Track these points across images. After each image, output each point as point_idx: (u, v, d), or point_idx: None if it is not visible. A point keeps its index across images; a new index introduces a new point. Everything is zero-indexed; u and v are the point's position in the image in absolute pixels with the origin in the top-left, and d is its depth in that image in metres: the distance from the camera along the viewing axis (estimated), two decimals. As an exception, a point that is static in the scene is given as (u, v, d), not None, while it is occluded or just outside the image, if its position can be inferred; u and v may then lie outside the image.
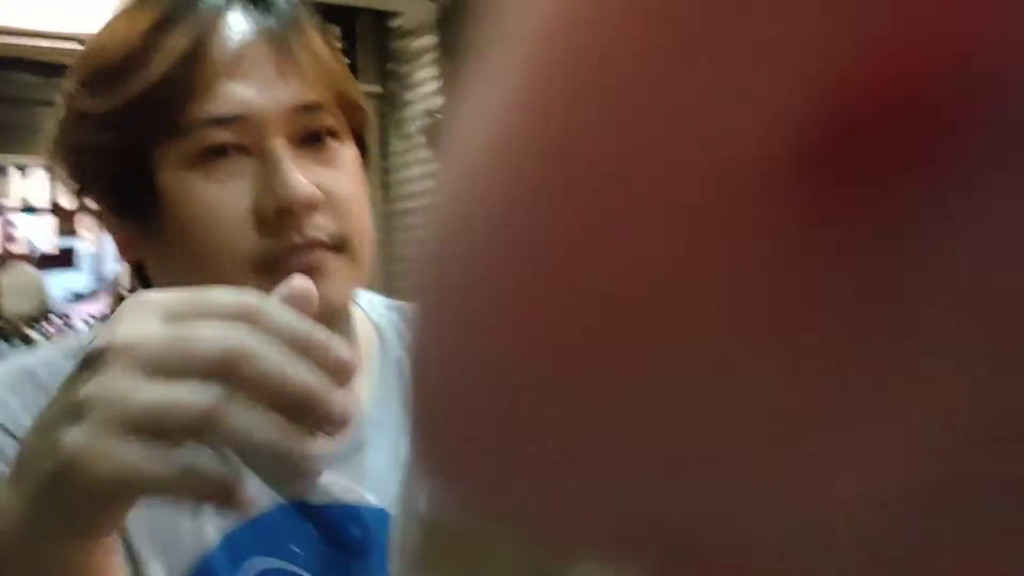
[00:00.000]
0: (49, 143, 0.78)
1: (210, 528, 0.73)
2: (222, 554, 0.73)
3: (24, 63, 5.12)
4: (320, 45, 0.77)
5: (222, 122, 0.72)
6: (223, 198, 0.73)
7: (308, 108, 0.74)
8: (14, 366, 0.76)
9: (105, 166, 0.77)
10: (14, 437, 0.67)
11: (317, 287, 0.66)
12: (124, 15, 0.76)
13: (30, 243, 6.08)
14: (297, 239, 0.73)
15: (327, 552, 0.71)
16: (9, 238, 6.02)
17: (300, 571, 0.74)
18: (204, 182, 0.73)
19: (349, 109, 0.78)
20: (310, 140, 0.75)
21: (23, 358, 0.77)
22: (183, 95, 0.72)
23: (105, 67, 0.75)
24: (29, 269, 6.24)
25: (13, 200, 5.87)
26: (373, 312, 0.87)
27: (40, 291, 6.47)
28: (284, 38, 0.75)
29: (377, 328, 0.87)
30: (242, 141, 0.73)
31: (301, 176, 0.72)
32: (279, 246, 0.73)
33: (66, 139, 0.77)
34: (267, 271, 0.72)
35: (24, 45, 4.43)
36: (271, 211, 0.72)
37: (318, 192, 0.73)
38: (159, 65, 0.72)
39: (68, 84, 0.77)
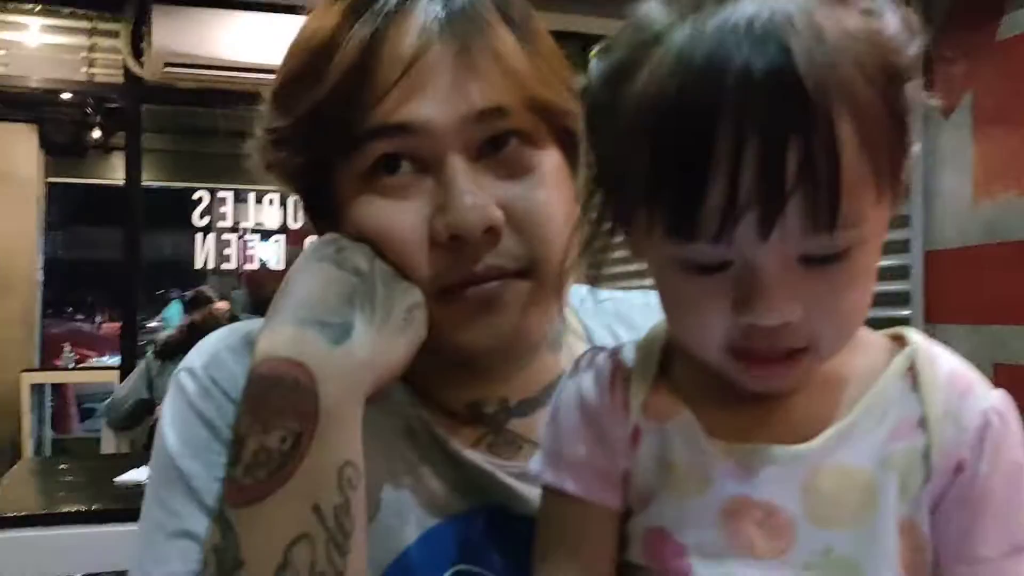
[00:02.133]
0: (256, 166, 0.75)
1: (412, 526, 0.71)
2: (422, 552, 0.71)
3: (258, 97, 5.64)
4: (507, 42, 0.68)
5: (391, 132, 0.66)
6: (396, 219, 0.67)
7: (488, 114, 0.67)
8: (239, 330, 0.75)
9: (293, 183, 0.74)
10: (231, 400, 0.68)
11: (496, 319, 0.68)
12: (311, 20, 0.71)
13: (263, 261, 6.72)
14: (476, 268, 0.67)
15: (526, 562, 0.66)
16: (247, 257, 6.67)
17: None
18: (378, 200, 0.68)
19: (546, 111, 0.69)
20: (493, 150, 0.68)
21: (249, 324, 0.75)
22: (353, 107, 0.66)
23: (286, 81, 0.71)
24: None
25: (250, 223, 6.48)
26: (583, 312, 0.81)
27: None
28: (464, 38, 0.67)
29: (588, 332, 0.82)
30: (415, 153, 0.67)
31: (478, 198, 0.66)
32: (455, 275, 0.67)
33: (261, 159, 0.74)
34: (444, 299, 0.68)
35: (257, 79, 4.81)
36: (444, 237, 0.66)
37: (498, 216, 0.66)
38: (328, 79, 0.67)
39: (266, 107, 0.73)
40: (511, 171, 0.68)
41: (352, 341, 0.62)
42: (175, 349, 3.63)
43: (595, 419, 0.61)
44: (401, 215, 0.67)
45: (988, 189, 2.55)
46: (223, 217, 6.36)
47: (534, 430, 0.76)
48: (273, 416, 0.60)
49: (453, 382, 0.75)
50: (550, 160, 0.70)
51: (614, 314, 0.84)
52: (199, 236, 6.29)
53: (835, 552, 0.55)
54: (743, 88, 0.47)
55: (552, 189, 0.69)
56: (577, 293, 0.83)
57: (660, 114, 0.51)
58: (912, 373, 0.58)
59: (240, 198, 6.46)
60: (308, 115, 0.68)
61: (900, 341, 0.60)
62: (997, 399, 0.58)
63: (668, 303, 0.57)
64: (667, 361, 0.62)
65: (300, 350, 0.61)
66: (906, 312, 2.69)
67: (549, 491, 0.63)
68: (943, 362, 0.59)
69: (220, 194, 6.39)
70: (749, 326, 0.52)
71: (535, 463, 0.64)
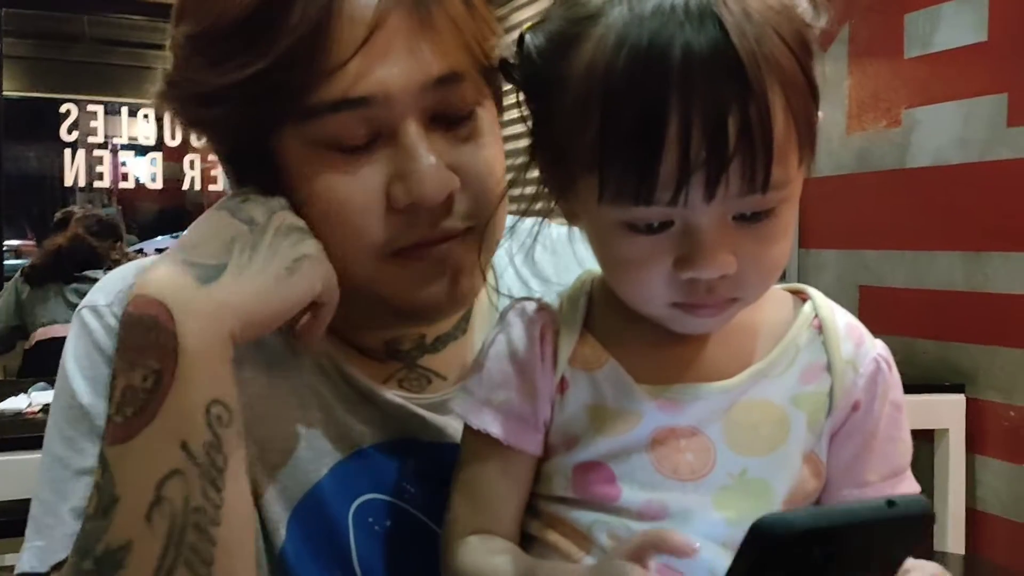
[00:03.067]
0: (159, 102, 0.70)
1: (324, 460, 0.72)
2: (333, 485, 0.71)
3: (132, 3, 5.31)
4: (456, 5, 0.67)
5: (354, 104, 0.64)
6: (352, 185, 0.66)
7: (444, 80, 0.66)
8: (145, 267, 0.70)
9: (221, 138, 0.71)
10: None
11: (450, 277, 0.69)
12: None
13: (138, 179, 6.42)
14: (430, 232, 0.68)
15: (437, 491, 0.69)
16: (121, 175, 6.36)
17: (409, 508, 0.73)
18: (331, 165, 0.66)
19: (487, 71, 0.69)
20: (447, 113, 0.67)
21: (147, 261, 0.74)
22: (307, 72, 0.63)
23: (220, 30, 0.65)
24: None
25: (123, 139, 6.17)
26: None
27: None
28: (420, 2, 0.65)
29: (494, 269, 0.82)
30: (372, 124, 0.65)
31: (438, 166, 0.65)
32: (413, 237, 0.67)
33: (177, 107, 0.70)
34: (396, 259, 0.68)
35: None
36: (403, 204, 0.66)
37: (456, 182, 0.67)
38: (282, 39, 0.62)
39: (178, 37, 0.68)
40: (463, 135, 0.69)
41: (219, 283, 0.62)
42: (43, 274, 3.47)
43: (523, 369, 0.64)
44: (357, 182, 0.66)
45: (860, 120, 2.67)
46: (93, 132, 6.04)
47: (445, 364, 0.78)
48: (136, 355, 0.60)
49: (375, 323, 0.75)
50: (489, 117, 0.71)
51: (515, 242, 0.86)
52: (68, 152, 5.97)
53: (749, 474, 0.60)
54: (687, 66, 0.52)
55: (495, 147, 0.71)
56: None
57: (608, 92, 0.54)
58: (816, 322, 0.65)
59: (111, 111, 6.14)
60: (253, 76, 0.63)
61: (800, 295, 0.67)
62: (882, 347, 0.66)
63: (611, 264, 0.61)
64: (591, 312, 0.65)
65: (165, 289, 0.61)
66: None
67: (473, 434, 0.65)
68: (840, 315, 0.66)
69: (90, 107, 6.06)
70: (691, 279, 0.56)
71: (460, 406, 0.66)
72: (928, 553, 0.56)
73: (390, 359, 0.77)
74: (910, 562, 0.52)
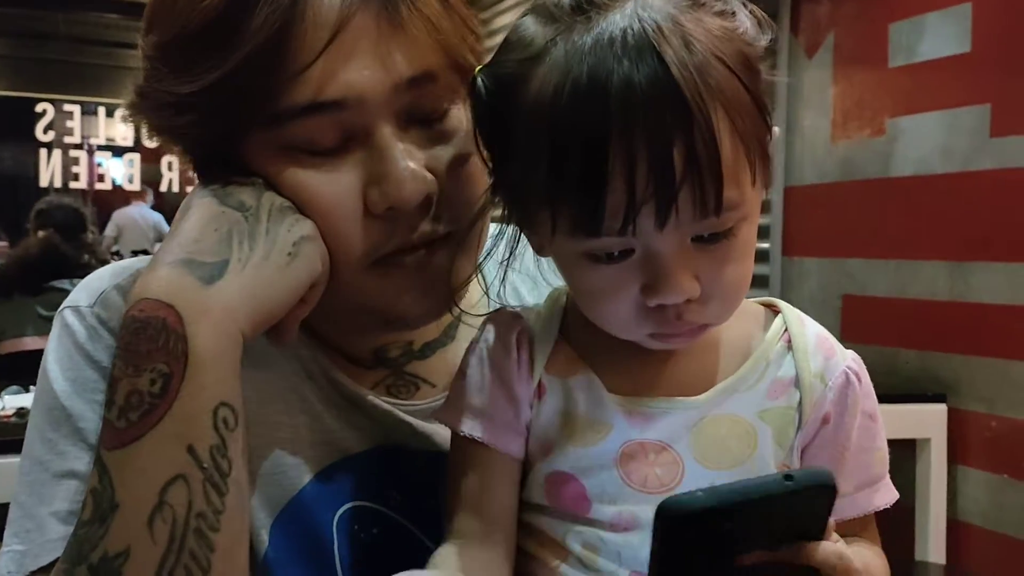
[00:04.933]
0: (131, 112, 0.70)
1: (309, 466, 0.71)
2: (317, 492, 0.70)
3: (106, 2, 5.26)
4: (429, 2, 0.66)
5: (323, 108, 0.62)
6: (326, 190, 0.65)
7: (417, 81, 0.64)
8: (129, 268, 0.74)
9: (192, 146, 0.70)
10: (111, 332, 0.68)
11: (432, 284, 0.68)
12: None
13: (115, 180, 6.36)
14: (412, 236, 0.66)
15: (424, 499, 0.68)
16: (97, 176, 6.30)
17: (395, 515, 0.72)
18: (303, 170, 0.65)
19: (462, 70, 0.67)
20: (421, 113, 0.66)
21: (138, 262, 0.73)
22: (273, 75, 0.61)
23: (185, 38, 0.64)
24: (143, 209, 6.52)
25: (100, 139, 6.12)
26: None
27: (155, 228, 6.76)
28: (387, 2, 0.63)
29: (482, 274, 0.79)
30: (344, 126, 0.64)
31: (415, 169, 0.64)
32: (393, 243, 0.66)
33: (148, 116, 0.69)
34: (378, 268, 0.67)
35: None
36: (382, 208, 0.65)
37: (434, 185, 0.65)
38: (246, 44, 0.61)
39: (147, 48, 0.68)
40: (438, 135, 0.67)
41: (225, 280, 0.61)
42: (10, 284, 3.37)
43: (502, 376, 0.64)
44: (331, 186, 0.65)
45: (845, 129, 2.67)
46: (70, 132, 5.98)
47: (433, 370, 0.77)
48: (143, 359, 0.59)
49: (361, 331, 0.74)
50: (466, 116, 0.69)
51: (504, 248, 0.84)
52: (43, 152, 5.90)
53: None
54: (628, 99, 0.52)
55: (472, 147, 0.68)
56: None
57: (553, 128, 0.55)
58: (787, 336, 0.65)
59: (88, 111, 6.07)
60: (219, 82, 0.62)
61: (772, 308, 0.68)
62: (852, 358, 0.66)
63: (581, 294, 0.61)
64: (566, 323, 0.66)
65: (171, 291, 0.60)
66: (765, 245, 2.82)
67: (459, 440, 0.65)
68: (810, 328, 0.66)
69: (66, 107, 6.00)
70: (659, 306, 0.57)
71: (444, 414, 0.66)
72: (909, 563, 0.57)
73: (378, 366, 0.76)
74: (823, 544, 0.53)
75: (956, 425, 2.33)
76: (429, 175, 0.65)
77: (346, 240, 0.65)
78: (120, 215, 6.30)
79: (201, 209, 0.64)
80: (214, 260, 0.61)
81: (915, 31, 2.45)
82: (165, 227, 6.51)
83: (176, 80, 0.65)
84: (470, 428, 0.64)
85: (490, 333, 0.66)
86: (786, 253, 2.84)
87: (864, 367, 0.66)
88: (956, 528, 2.35)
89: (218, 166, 0.68)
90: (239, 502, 0.60)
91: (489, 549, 0.62)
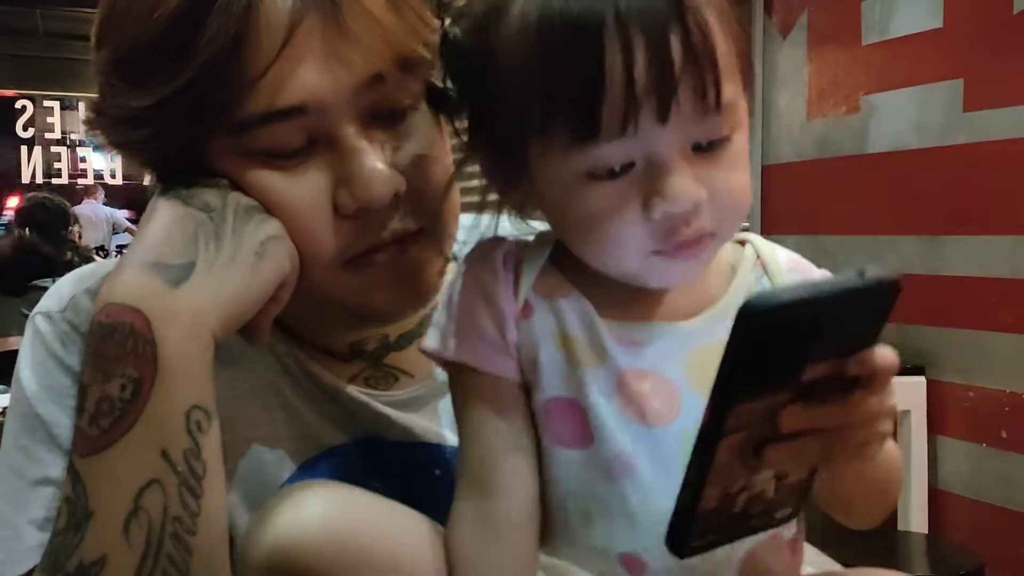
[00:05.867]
0: (88, 128, 0.69)
1: (289, 461, 0.71)
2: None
3: (83, -3, 5.23)
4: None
5: (281, 116, 0.62)
6: (294, 194, 0.64)
7: (373, 82, 0.64)
8: (98, 271, 0.72)
9: (153, 159, 0.69)
10: (83, 336, 0.66)
11: (405, 279, 0.68)
12: None
13: (98, 173, 6.33)
14: (383, 234, 0.66)
15: (406, 490, 0.66)
16: (79, 170, 6.27)
17: None
18: (269, 175, 0.64)
19: (415, 66, 0.67)
20: (383, 113, 0.66)
21: (108, 264, 0.72)
22: (229, 84, 0.61)
23: (138, 52, 0.63)
24: (96, 206, 6.50)
25: (81, 134, 6.09)
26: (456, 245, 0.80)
27: (109, 223, 6.75)
28: (334, 2, 0.63)
29: (456, 257, 0.79)
30: (308, 130, 0.64)
31: (379, 166, 0.64)
32: (365, 242, 0.66)
33: (106, 131, 0.68)
34: (354, 267, 0.67)
35: None
36: (351, 209, 0.65)
37: (400, 180, 0.65)
38: (199, 54, 0.61)
39: (99, 63, 0.66)
40: (401, 132, 0.67)
41: (192, 282, 0.60)
42: None
43: (487, 295, 0.62)
44: (299, 190, 0.64)
45: (820, 107, 2.69)
46: (50, 128, 5.95)
47: (410, 361, 0.77)
48: (112, 364, 0.58)
49: (337, 326, 0.74)
50: (425, 113, 0.69)
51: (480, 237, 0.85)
52: (24, 148, 5.87)
53: None
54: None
55: (436, 141, 0.69)
56: None
57: (548, 35, 0.53)
58: (760, 262, 0.65)
59: (68, 106, 6.03)
60: (174, 95, 0.62)
61: (742, 242, 0.67)
62: (821, 274, 0.65)
63: (579, 226, 0.58)
64: (557, 251, 0.63)
65: (137, 295, 0.59)
66: (745, 224, 2.84)
67: (451, 369, 0.63)
68: (780, 252, 0.66)
69: (46, 103, 5.96)
70: (664, 217, 0.54)
71: (431, 342, 0.63)
72: (892, 533, 0.55)
73: (355, 359, 0.76)
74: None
75: (935, 397, 2.37)
76: (397, 174, 0.65)
77: (317, 242, 0.65)
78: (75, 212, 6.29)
79: (166, 211, 0.64)
80: (180, 262, 0.61)
81: (887, 8, 2.47)
82: (120, 220, 6.48)
83: (131, 95, 0.64)
84: (460, 355, 0.61)
85: (476, 258, 0.64)
86: (764, 231, 2.86)
87: None
88: (937, 497, 2.39)
89: (181, 175, 0.66)
90: (216, 504, 0.60)
91: (493, 500, 0.59)
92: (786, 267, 0.65)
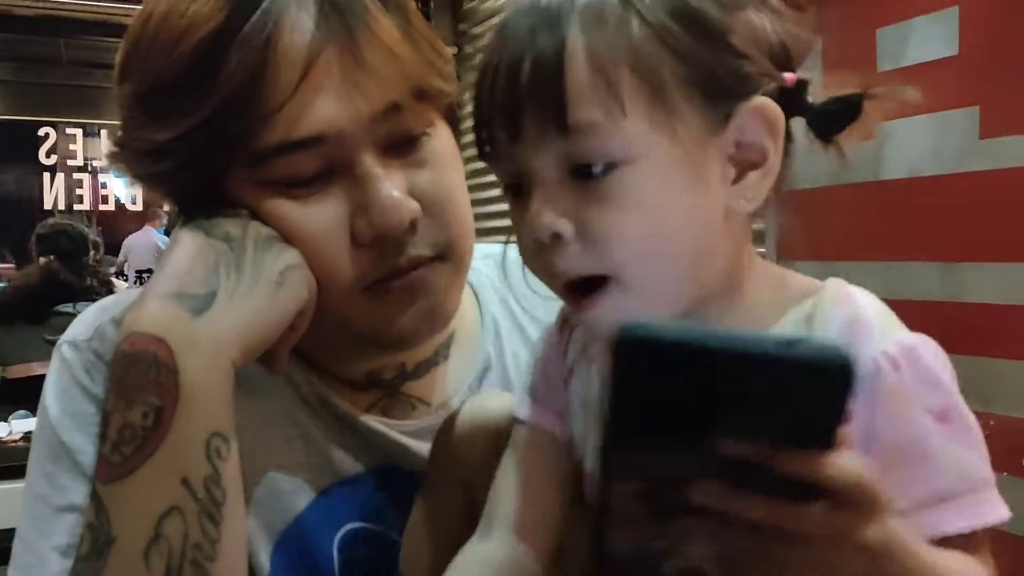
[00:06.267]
0: (111, 162, 0.72)
1: (307, 490, 0.72)
2: (316, 515, 0.72)
3: (107, 26, 5.31)
4: (387, 28, 0.66)
5: (299, 146, 0.64)
6: (312, 222, 0.66)
7: (389, 111, 0.66)
8: (123, 301, 0.74)
9: (174, 191, 0.71)
10: (108, 365, 0.67)
11: (424, 305, 0.69)
12: (172, 13, 0.65)
13: (119, 200, 6.40)
14: (400, 261, 0.68)
15: None
16: (101, 197, 6.34)
17: (394, 536, 0.72)
18: (288, 204, 0.66)
19: (432, 95, 0.69)
20: (398, 142, 0.68)
21: (133, 294, 0.72)
22: (249, 116, 0.63)
23: (161, 86, 0.66)
24: (151, 231, 6.56)
25: (102, 161, 6.16)
26: (471, 273, 0.80)
27: (158, 249, 6.80)
28: (349, 30, 0.64)
29: (474, 290, 0.82)
30: (325, 160, 0.66)
31: (396, 194, 0.66)
32: (382, 269, 0.68)
33: (128, 164, 0.71)
34: (372, 293, 0.68)
35: (106, 7, 4.55)
36: (369, 237, 0.66)
37: (417, 209, 0.67)
38: (221, 89, 0.63)
39: (122, 97, 0.69)
40: (417, 161, 0.69)
41: (213, 311, 0.62)
42: (12, 312, 3.37)
43: (544, 360, 0.64)
44: (317, 218, 0.66)
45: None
46: (72, 155, 6.02)
47: (427, 390, 0.78)
48: (135, 392, 0.60)
49: (354, 354, 0.75)
50: (442, 139, 0.71)
51: (496, 266, 0.85)
52: (47, 175, 5.94)
53: None
54: (516, 13, 0.56)
55: (452, 170, 0.71)
56: None
57: (479, 74, 0.58)
58: (816, 310, 0.58)
59: (90, 133, 6.11)
60: (196, 128, 0.64)
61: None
62: (897, 342, 0.55)
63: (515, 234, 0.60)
64: None
65: (160, 324, 0.61)
66: (761, 249, 2.83)
67: (513, 431, 0.64)
68: (845, 309, 0.57)
69: (68, 130, 6.03)
70: (536, 244, 0.55)
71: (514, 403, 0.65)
72: None
73: (372, 388, 0.77)
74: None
75: (954, 425, 2.34)
76: (413, 201, 0.67)
77: (335, 270, 0.67)
78: (130, 239, 6.37)
79: (188, 241, 0.66)
80: (202, 292, 0.62)
81: (902, 35, 2.47)
82: (164, 246, 6.51)
83: (154, 128, 0.66)
84: (516, 407, 0.64)
85: (559, 312, 0.66)
86: (780, 256, 2.85)
87: (925, 353, 0.55)
88: (957, 528, 2.35)
89: (202, 206, 0.68)
90: (235, 531, 0.61)
91: (514, 544, 0.60)
92: (837, 330, 0.55)
